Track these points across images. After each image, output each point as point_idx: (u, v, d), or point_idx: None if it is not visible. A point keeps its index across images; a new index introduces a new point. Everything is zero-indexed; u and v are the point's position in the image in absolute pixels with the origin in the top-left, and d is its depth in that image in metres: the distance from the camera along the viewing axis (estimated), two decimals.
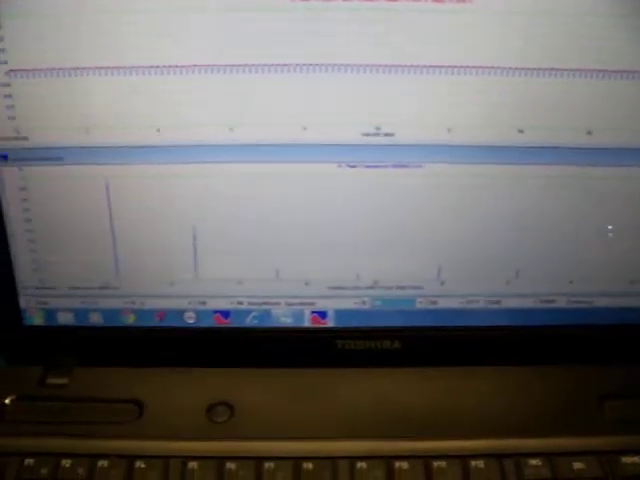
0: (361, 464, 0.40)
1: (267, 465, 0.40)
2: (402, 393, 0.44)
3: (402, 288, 0.44)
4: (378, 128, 0.40)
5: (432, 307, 0.44)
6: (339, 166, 0.41)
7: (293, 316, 0.44)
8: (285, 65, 0.39)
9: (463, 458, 0.40)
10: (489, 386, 0.44)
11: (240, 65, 0.39)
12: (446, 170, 0.41)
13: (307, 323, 0.44)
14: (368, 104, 0.40)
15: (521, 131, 0.41)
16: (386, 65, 0.39)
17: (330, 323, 0.45)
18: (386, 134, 0.40)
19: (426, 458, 0.40)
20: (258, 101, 0.40)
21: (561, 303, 0.45)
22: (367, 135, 0.40)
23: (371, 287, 0.44)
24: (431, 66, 0.39)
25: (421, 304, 0.44)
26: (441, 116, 0.40)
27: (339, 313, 0.44)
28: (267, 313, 0.44)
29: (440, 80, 0.39)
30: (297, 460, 0.40)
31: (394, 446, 0.41)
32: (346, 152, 0.41)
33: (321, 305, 0.44)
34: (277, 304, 0.44)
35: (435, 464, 0.40)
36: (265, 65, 0.39)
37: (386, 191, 0.41)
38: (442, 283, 0.44)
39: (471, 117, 0.40)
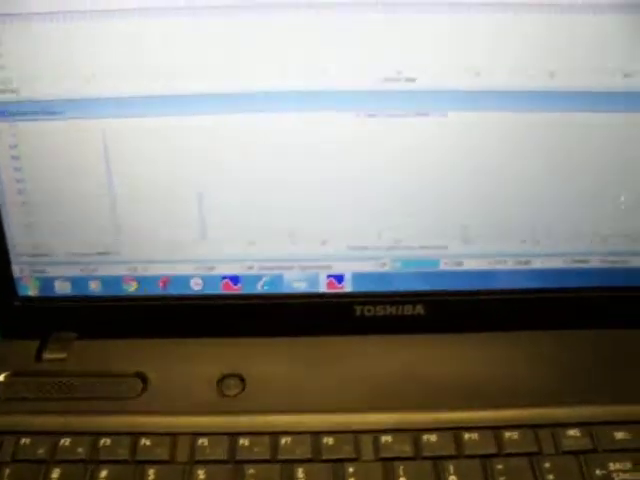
0: (386, 438, 0.37)
1: (284, 440, 0.37)
2: (427, 362, 0.41)
3: (425, 248, 0.40)
4: (399, 72, 0.37)
5: (457, 269, 0.41)
6: (357, 115, 0.38)
7: (307, 281, 0.41)
8: (296, 5, 0.36)
9: (495, 429, 0.37)
10: (519, 352, 0.41)
11: (255, 6, 0.36)
12: (472, 119, 0.38)
13: (322, 288, 0.41)
14: (387, 47, 0.36)
15: (552, 75, 0.38)
16: (405, 3, 0.36)
17: (347, 288, 0.41)
18: (407, 79, 0.37)
19: (456, 430, 0.37)
20: (270, 46, 0.36)
21: (595, 263, 0.42)
22: (387, 80, 0.37)
23: (393, 247, 0.40)
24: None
25: (446, 265, 0.41)
26: (468, 59, 0.37)
27: (357, 277, 0.41)
28: (279, 278, 0.41)
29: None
30: (316, 435, 0.37)
31: (421, 418, 0.38)
32: (364, 100, 0.37)
33: (338, 268, 0.41)
34: (290, 268, 0.41)
35: (466, 436, 0.37)
36: (277, 5, 0.36)
37: (407, 142, 0.38)
38: (467, 242, 0.41)
39: (501, 59, 0.37)
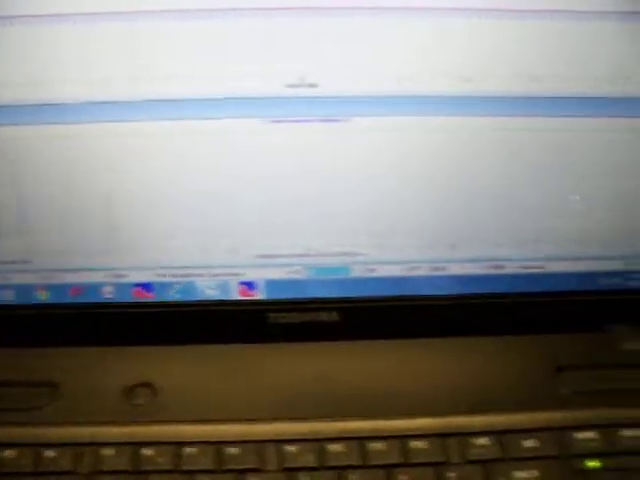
0: (290, 448, 0.37)
1: (188, 450, 0.36)
2: (339, 370, 0.40)
3: (336, 255, 0.40)
4: (302, 79, 0.37)
5: (370, 275, 0.41)
6: (262, 122, 0.37)
7: (219, 288, 0.41)
8: (197, 11, 0.35)
9: (403, 438, 0.37)
10: (434, 360, 0.41)
11: (152, 12, 0.35)
12: (377, 124, 0.37)
13: (235, 296, 0.41)
14: (290, 52, 0.36)
15: (469, 80, 0.37)
16: (307, 7, 0.36)
17: (260, 295, 0.41)
18: (310, 85, 0.37)
19: (361, 440, 0.37)
20: (171, 53, 0.36)
21: (511, 269, 0.41)
22: (290, 87, 0.37)
23: (303, 255, 0.40)
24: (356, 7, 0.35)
25: (357, 272, 0.40)
26: (372, 65, 0.37)
27: (269, 284, 0.41)
28: (191, 285, 0.40)
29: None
30: (220, 444, 0.37)
31: (326, 427, 0.37)
32: (268, 106, 0.37)
33: (249, 276, 0.40)
34: (201, 275, 0.40)
35: (371, 445, 0.37)
36: (181, 11, 0.35)
37: (313, 148, 0.38)
38: (379, 248, 0.40)
39: (404, 65, 0.37)
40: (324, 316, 0.41)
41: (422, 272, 0.41)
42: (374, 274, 0.41)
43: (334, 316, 0.41)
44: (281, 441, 0.37)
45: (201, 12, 0.35)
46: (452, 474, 0.36)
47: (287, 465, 0.36)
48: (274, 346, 0.41)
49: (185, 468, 0.36)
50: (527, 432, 0.38)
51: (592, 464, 0.37)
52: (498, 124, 0.38)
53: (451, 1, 0.36)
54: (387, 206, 0.39)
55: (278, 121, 0.37)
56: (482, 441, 0.37)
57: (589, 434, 0.38)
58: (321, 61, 0.36)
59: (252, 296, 0.41)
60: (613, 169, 0.39)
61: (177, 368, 0.40)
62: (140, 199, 0.39)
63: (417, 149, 0.38)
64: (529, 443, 0.37)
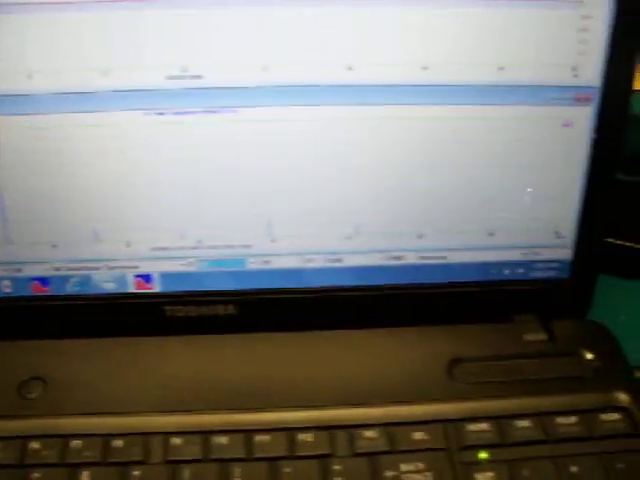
0: (175, 440, 0.36)
1: (74, 443, 0.36)
2: (231, 362, 0.40)
3: (230, 247, 0.40)
4: (184, 70, 0.37)
5: (265, 267, 0.40)
6: (146, 114, 0.37)
7: (116, 281, 0.40)
8: (79, 3, 0.35)
9: (289, 431, 0.37)
10: (327, 352, 0.41)
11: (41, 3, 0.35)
12: (264, 114, 0.37)
13: (131, 288, 0.41)
14: (172, 43, 0.36)
15: (350, 68, 0.37)
16: None
17: (156, 288, 0.41)
18: (193, 76, 0.37)
19: (247, 432, 0.37)
20: (56, 46, 0.36)
21: (410, 259, 0.41)
22: (172, 78, 0.37)
23: (196, 247, 0.40)
24: None
25: (253, 264, 0.40)
26: (257, 55, 0.36)
27: (165, 277, 0.40)
28: (88, 279, 0.40)
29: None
30: (106, 437, 0.37)
31: (213, 420, 0.37)
32: (151, 98, 0.37)
33: (145, 268, 0.40)
34: (97, 269, 0.40)
35: (257, 438, 0.37)
36: (64, 3, 0.35)
37: (200, 139, 0.37)
38: (273, 240, 0.40)
39: (289, 54, 0.36)
40: (221, 309, 0.41)
41: (318, 264, 0.40)
42: (270, 266, 0.40)
43: (231, 309, 0.41)
44: (167, 433, 0.37)
45: (82, 4, 0.35)
46: (337, 467, 0.36)
47: (171, 458, 0.36)
48: (171, 339, 0.41)
49: (70, 461, 0.36)
50: (417, 424, 0.37)
51: (482, 456, 0.37)
52: (392, 112, 0.38)
53: None
54: (279, 197, 0.39)
55: (162, 113, 0.37)
56: (370, 433, 0.37)
57: (481, 426, 0.37)
58: (205, 52, 0.36)
59: (148, 289, 0.41)
60: (510, 158, 0.39)
61: (72, 362, 0.40)
62: (33, 193, 0.38)
63: (305, 138, 0.37)
64: (418, 435, 0.37)
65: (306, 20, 0.36)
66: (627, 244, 0.48)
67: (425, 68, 0.37)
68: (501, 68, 0.37)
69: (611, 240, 0.48)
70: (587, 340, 0.42)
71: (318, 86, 0.37)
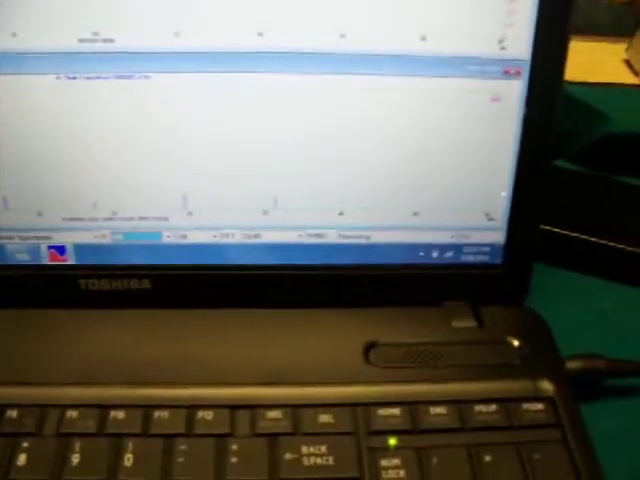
0: (71, 412, 0.35)
1: None
2: (141, 338, 0.39)
3: (145, 219, 0.38)
4: (95, 34, 0.36)
5: (182, 242, 0.39)
6: (57, 77, 0.36)
7: (29, 252, 0.39)
8: None
9: (190, 408, 0.35)
10: (241, 331, 0.39)
11: None
12: (176, 81, 0.36)
13: (45, 260, 0.40)
14: (81, 5, 0.35)
15: (260, 34, 0.36)
16: None
17: (70, 260, 0.40)
18: (105, 40, 0.36)
19: (146, 408, 0.35)
20: None
21: (331, 238, 0.39)
22: (83, 41, 0.36)
23: (110, 218, 0.38)
24: None
25: (169, 238, 0.39)
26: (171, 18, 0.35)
27: (79, 248, 0.39)
28: (1, 249, 0.40)
29: None
30: (1, 407, 0.35)
31: (112, 394, 0.35)
32: (62, 61, 0.36)
33: (57, 239, 0.39)
34: (10, 238, 0.39)
35: (156, 414, 0.35)
36: None
37: (114, 106, 0.36)
38: (190, 214, 0.38)
39: (203, 22, 0.35)
40: (135, 283, 0.39)
41: (235, 240, 0.39)
42: (186, 241, 0.39)
43: (146, 283, 0.39)
44: (64, 406, 0.35)
45: None
46: (235, 447, 0.34)
47: (64, 430, 0.34)
48: (84, 312, 0.39)
49: None
50: (324, 406, 0.36)
51: (391, 442, 0.35)
52: (309, 81, 0.36)
53: None
54: (193, 168, 0.37)
55: (73, 77, 0.36)
56: (273, 414, 0.35)
57: (393, 411, 0.36)
58: (117, 15, 0.35)
59: (62, 261, 0.40)
60: (436, 133, 0.37)
61: None
62: None
63: (218, 107, 0.36)
64: (324, 418, 0.35)
65: None
66: (573, 234, 0.46)
67: (343, 36, 0.36)
68: (423, 38, 0.36)
69: (557, 230, 0.46)
70: (518, 328, 0.40)
71: (228, 53, 0.35)
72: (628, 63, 0.64)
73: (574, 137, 0.53)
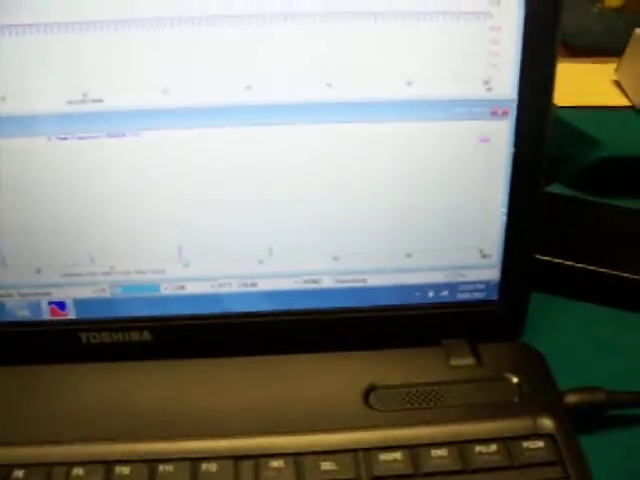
0: (77, 470, 0.35)
1: None
2: (142, 390, 0.39)
3: (142, 272, 0.39)
4: (85, 95, 0.36)
5: (180, 293, 0.39)
6: (49, 139, 0.37)
7: (30, 308, 0.40)
8: None
9: (194, 461, 0.36)
10: (241, 379, 0.39)
11: None
12: (167, 137, 0.36)
13: (46, 316, 0.40)
14: (69, 68, 0.36)
15: (249, 87, 0.36)
16: (83, 22, 0.35)
17: (71, 315, 0.40)
18: (94, 100, 0.36)
19: (150, 462, 0.35)
20: None
21: (327, 283, 0.40)
22: (72, 103, 0.36)
23: (108, 273, 0.39)
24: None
25: (167, 290, 0.39)
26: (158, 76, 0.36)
27: (79, 303, 0.40)
28: (1, 306, 0.40)
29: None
30: (8, 467, 0.35)
31: (116, 449, 0.36)
32: (52, 123, 0.36)
33: (58, 295, 0.39)
34: (9, 295, 0.40)
35: (161, 468, 0.35)
36: None
37: (106, 164, 0.37)
38: (186, 265, 0.39)
39: (190, 75, 0.36)
40: (136, 335, 0.40)
41: (232, 289, 0.39)
42: (184, 291, 0.39)
43: (146, 335, 0.40)
44: (69, 464, 0.36)
45: None
46: None
47: None
48: (85, 366, 0.40)
49: None
50: (326, 453, 0.36)
51: None
52: (296, 132, 0.37)
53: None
54: (187, 220, 0.38)
55: (64, 138, 0.37)
56: (276, 463, 0.35)
57: (394, 455, 0.36)
58: (105, 76, 0.36)
59: (63, 316, 0.40)
60: (425, 176, 0.38)
61: None
62: None
63: (211, 160, 0.37)
64: (327, 465, 0.36)
65: (201, 42, 0.35)
66: (567, 263, 0.46)
67: (329, 85, 0.36)
68: (409, 82, 0.37)
69: (553, 259, 0.46)
70: (516, 364, 0.40)
71: (218, 108, 0.36)
72: (618, 84, 0.64)
73: (566, 161, 0.53)
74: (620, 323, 0.46)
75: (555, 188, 0.55)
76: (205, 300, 0.40)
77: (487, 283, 0.40)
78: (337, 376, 0.39)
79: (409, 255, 0.39)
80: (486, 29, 0.36)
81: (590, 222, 0.51)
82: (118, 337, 0.40)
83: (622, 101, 0.61)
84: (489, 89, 0.37)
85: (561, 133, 0.48)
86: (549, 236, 0.43)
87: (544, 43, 0.37)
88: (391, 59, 0.36)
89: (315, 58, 0.36)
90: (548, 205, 0.44)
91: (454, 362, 0.40)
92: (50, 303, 0.40)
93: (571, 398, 0.39)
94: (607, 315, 0.47)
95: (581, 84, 0.61)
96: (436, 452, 0.36)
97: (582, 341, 0.45)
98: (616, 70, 0.64)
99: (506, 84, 0.37)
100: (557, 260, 0.47)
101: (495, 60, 0.37)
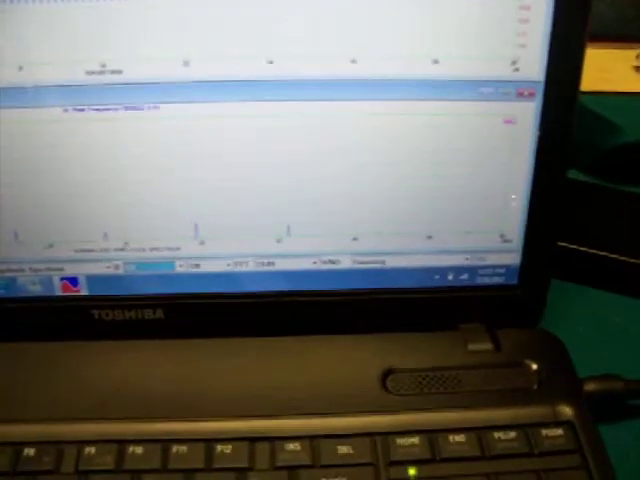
0: (88, 449, 0.35)
1: None
2: (155, 369, 0.38)
3: (157, 249, 0.38)
4: (103, 65, 0.35)
5: (195, 271, 0.39)
6: (65, 110, 0.36)
7: (42, 284, 0.39)
8: None
9: (208, 442, 0.35)
10: (257, 359, 0.39)
11: None
12: (186, 111, 0.36)
13: (58, 291, 0.39)
14: (88, 37, 0.35)
15: (270, 62, 0.35)
16: None
17: (83, 291, 0.39)
18: (113, 71, 0.35)
19: (164, 442, 0.35)
20: None
21: (345, 264, 0.39)
22: (90, 74, 0.35)
23: (121, 249, 0.38)
24: None
25: (181, 267, 0.39)
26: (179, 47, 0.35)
27: (91, 279, 0.39)
28: (12, 281, 0.39)
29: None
30: (18, 445, 0.34)
31: (129, 429, 0.35)
32: (70, 94, 0.35)
33: (70, 271, 0.39)
34: (21, 270, 0.39)
35: (174, 448, 0.35)
36: None
37: (123, 137, 0.36)
38: (202, 243, 0.38)
39: (208, 50, 0.35)
40: (149, 313, 0.39)
41: (249, 268, 0.39)
42: (199, 270, 0.39)
43: (159, 313, 0.39)
44: (81, 442, 0.35)
45: None
46: None
47: (82, 467, 0.34)
48: (98, 344, 0.39)
49: None
50: (343, 437, 0.35)
51: (411, 472, 0.35)
52: (320, 109, 0.36)
53: None
54: (204, 198, 0.37)
55: (81, 109, 0.36)
56: (292, 446, 0.35)
57: (412, 440, 0.35)
58: (125, 46, 0.35)
59: (75, 292, 0.39)
60: (449, 156, 0.37)
61: None
62: None
63: (229, 136, 0.36)
64: (344, 449, 0.35)
65: (224, 13, 0.34)
66: (591, 251, 0.46)
67: (354, 61, 0.35)
68: (436, 61, 0.36)
69: (570, 246, 0.46)
70: (535, 350, 0.39)
71: (238, 81, 0.35)
72: (638, 69, 0.63)
73: (586, 148, 0.53)
74: (636, 311, 0.46)
75: (571, 174, 0.55)
76: (220, 279, 0.39)
77: (507, 267, 0.40)
78: (354, 359, 0.39)
79: (429, 237, 0.39)
80: (515, 8, 0.35)
81: (606, 208, 0.50)
82: (131, 315, 0.39)
83: None
84: (516, 69, 0.36)
85: (581, 119, 0.47)
86: (566, 222, 0.43)
87: (574, 24, 0.36)
88: (418, 36, 0.35)
89: (340, 33, 0.35)
90: (566, 191, 0.43)
91: (472, 347, 0.40)
92: (62, 279, 0.39)
93: (589, 386, 0.38)
94: (623, 302, 0.46)
95: (601, 70, 0.60)
96: (454, 438, 0.36)
97: (597, 329, 0.44)
98: (638, 56, 0.63)
99: (534, 65, 0.36)
100: (572, 246, 0.46)
101: (523, 40, 0.36)
